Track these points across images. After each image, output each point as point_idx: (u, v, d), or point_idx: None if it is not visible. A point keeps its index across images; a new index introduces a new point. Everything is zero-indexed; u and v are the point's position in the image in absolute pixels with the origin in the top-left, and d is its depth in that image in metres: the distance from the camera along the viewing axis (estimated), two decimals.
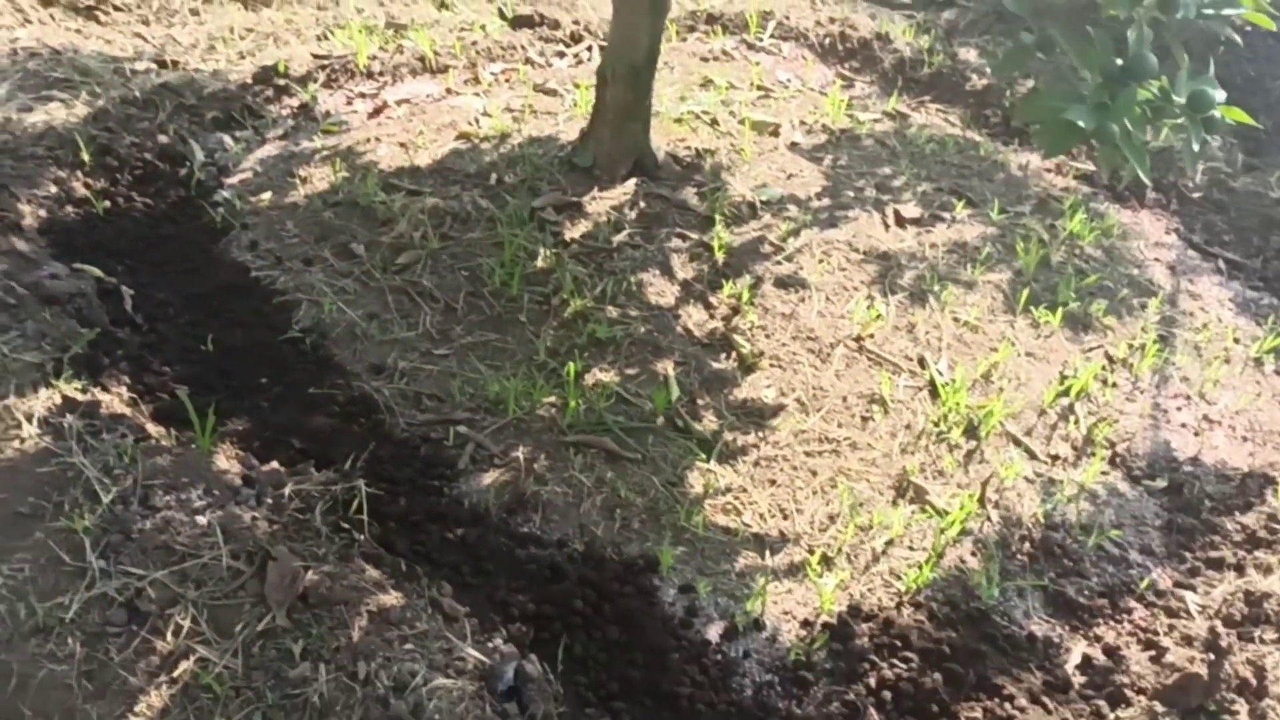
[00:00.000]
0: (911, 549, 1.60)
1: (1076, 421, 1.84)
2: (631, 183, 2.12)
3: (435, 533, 1.50)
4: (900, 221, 2.17)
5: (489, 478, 1.60)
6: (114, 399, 1.55)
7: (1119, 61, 1.40)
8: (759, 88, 2.59)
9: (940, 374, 1.86)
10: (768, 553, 1.56)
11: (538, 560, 1.49)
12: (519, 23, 2.83)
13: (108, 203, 1.96)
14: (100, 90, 2.29)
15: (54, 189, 1.92)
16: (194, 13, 2.72)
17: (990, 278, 2.07)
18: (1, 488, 1.39)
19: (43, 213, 1.87)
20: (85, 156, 2.00)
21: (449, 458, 1.62)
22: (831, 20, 2.92)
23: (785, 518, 1.62)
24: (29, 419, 1.46)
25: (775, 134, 2.38)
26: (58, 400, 1.50)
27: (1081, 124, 1.34)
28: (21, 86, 2.25)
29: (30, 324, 1.61)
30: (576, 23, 2.84)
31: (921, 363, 1.88)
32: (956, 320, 1.97)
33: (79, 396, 1.51)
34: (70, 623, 1.26)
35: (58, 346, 1.60)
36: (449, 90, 2.49)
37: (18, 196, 1.87)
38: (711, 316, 1.91)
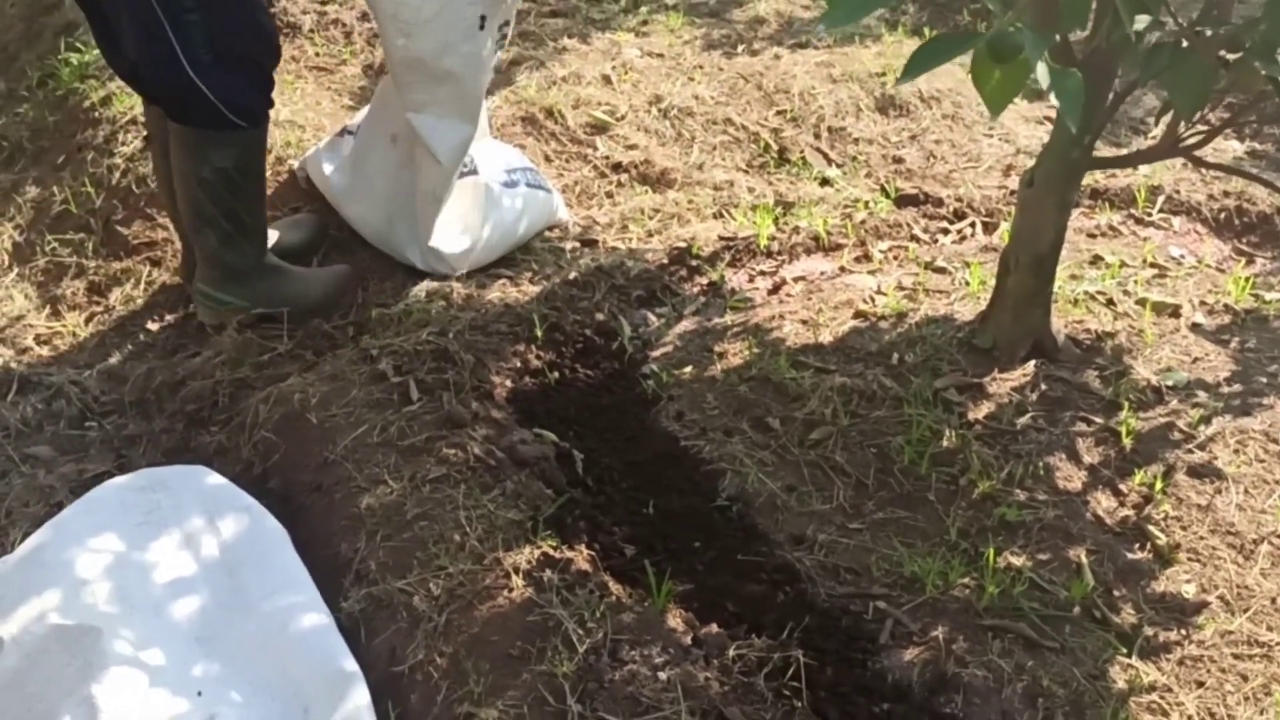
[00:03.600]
0: None
1: None
2: (1031, 365, 2.18)
3: (863, 705, 1.59)
4: None
5: (909, 655, 1.68)
6: (578, 555, 1.77)
7: None
8: (1153, 265, 2.59)
9: None
10: None
11: None
12: (903, 201, 2.99)
13: (557, 374, 2.24)
14: (538, 268, 2.64)
15: (516, 362, 2.22)
16: (609, 195, 3.06)
17: None
18: (496, 631, 1.62)
19: (509, 383, 2.18)
20: (539, 332, 2.31)
21: (869, 631, 1.72)
22: (1226, 194, 2.88)
23: None
24: (516, 571, 1.70)
25: (1175, 315, 2.37)
26: (537, 556, 1.73)
27: None
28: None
29: (509, 484, 1.88)
30: (959, 200, 2.95)
31: None
32: None
33: (554, 554, 1.74)
34: None
35: (531, 506, 1.85)
36: (842, 268, 2.66)
37: (489, 368, 2.18)
38: (1122, 504, 1.92)
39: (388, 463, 1.90)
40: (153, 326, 2.49)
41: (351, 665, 1.60)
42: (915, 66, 1.17)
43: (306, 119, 2.95)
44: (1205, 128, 2.02)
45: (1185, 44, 1.62)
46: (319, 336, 2.35)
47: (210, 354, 2.32)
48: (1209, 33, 1.68)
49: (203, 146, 2.21)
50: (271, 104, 2.28)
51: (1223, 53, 1.72)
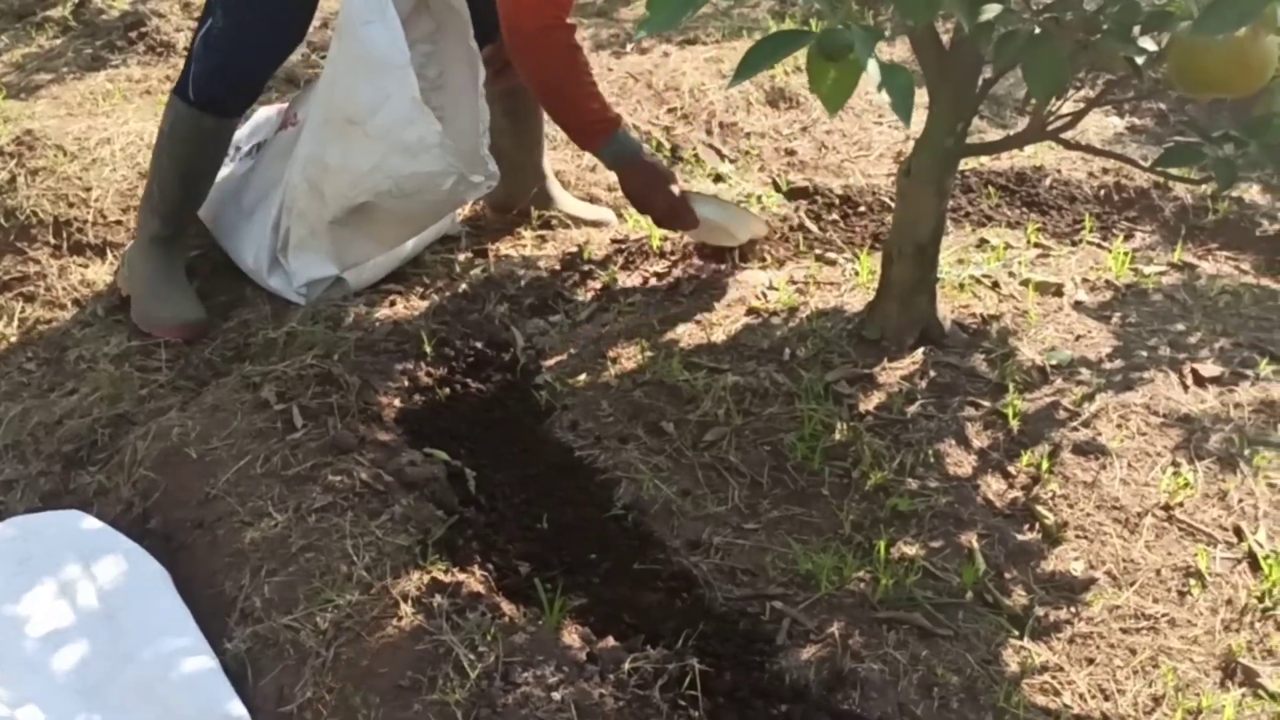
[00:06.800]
0: None
1: None
2: (919, 352, 2.19)
3: (761, 709, 1.58)
4: (1200, 381, 2.14)
5: (807, 653, 1.68)
6: (470, 577, 1.74)
7: None
8: (1036, 245, 2.63)
9: (1260, 545, 1.81)
10: None
11: None
12: (794, 194, 3.00)
13: (447, 390, 2.21)
14: (429, 281, 2.59)
15: (405, 381, 2.18)
16: None
17: None
18: (385, 663, 1.59)
19: (397, 402, 2.14)
20: (427, 348, 2.27)
21: (767, 633, 1.71)
22: (1105, 171, 2.93)
23: (1107, 699, 1.61)
24: (405, 599, 1.66)
25: (1058, 293, 2.40)
26: (426, 581, 1.70)
27: None
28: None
29: (397, 508, 1.84)
30: (850, 189, 2.97)
31: (1238, 533, 1.84)
32: (1272, 486, 1.92)
33: (444, 577, 1.70)
34: None
35: (421, 529, 1.81)
36: (735, 265, 2.66)
37: (376, 389, 2.14)
38: (1011, 486, 1.95)
39: (271, 494, 1.85)
40: (28, 365, 2.41)
41: (238, 709, 1.56)
42: (747, 68, 1.16)
43: None
44: (1074, 109, 2.04)
45: (1039, 30, 1.63)
46: (201, 365, 2.29)
47: (88, 390, 2.24)
48: (1066, 17, 1.70)
49: (170, 99, 2.41)
50: (234, 111, 2.42)
51: (1082, 35, 1.74)
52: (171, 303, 2.38)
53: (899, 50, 3.65)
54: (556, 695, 1.51)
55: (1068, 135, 2.04)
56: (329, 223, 2.36)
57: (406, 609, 1.64)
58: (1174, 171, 2.03)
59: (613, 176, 3.05)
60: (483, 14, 2.36)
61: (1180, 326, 2.30)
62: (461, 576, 1.72)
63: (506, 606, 1.68)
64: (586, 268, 2.63)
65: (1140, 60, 1.75)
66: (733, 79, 1.19)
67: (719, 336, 2.32)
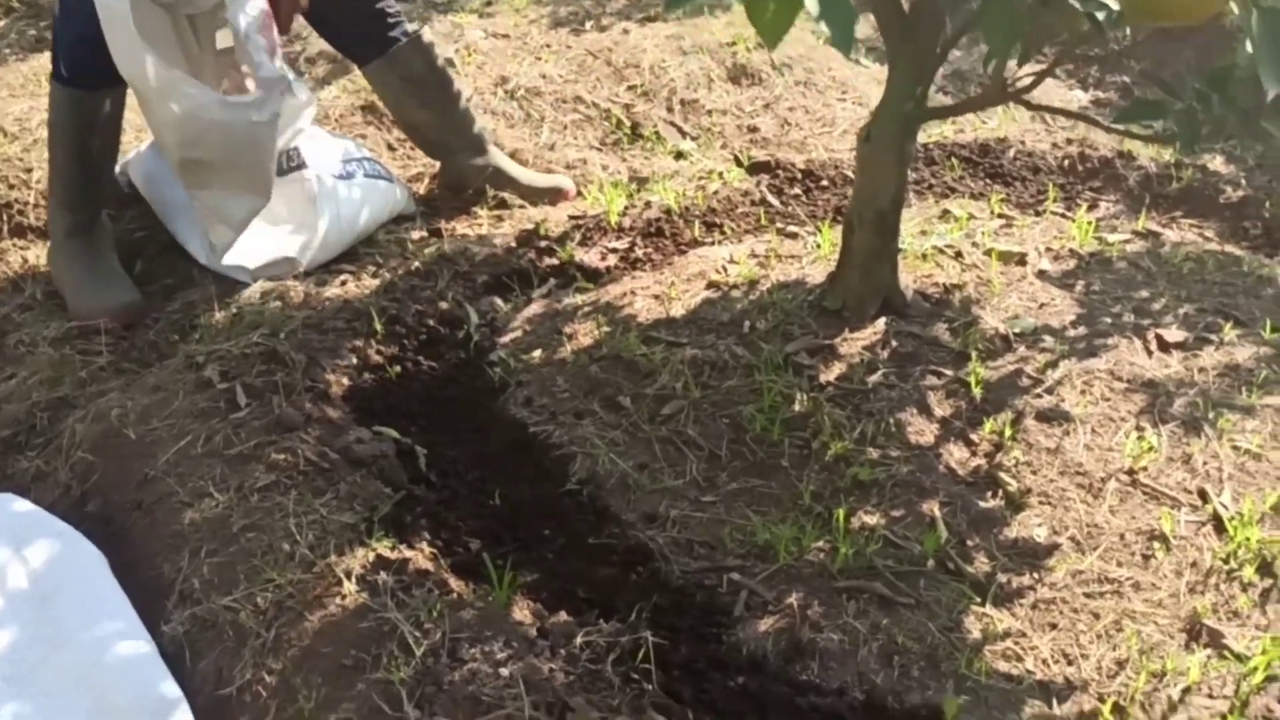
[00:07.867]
0: (1212, 697, 1.52)
1: None
2: (881, 322, 2.15)
3: (718, 681, 1.54)
4: (1163, 346, 2.11)
5: (765, 625, 1.63)
6: (417, 555, 1.69)
7: None
8: (1000, 216, 2.60)
9: (1225, 507, 1.78)
10: (1054, 701, 1.52)
11: (820, 709, 1.50)
12: (755, 168, 2.96)
13: (398, 368, 2.15)
14: (382, 260, 2.53)
15: (354, 358, 2.13)
16: None
17: (1270, 401, 1.98)
18: (328, 642, 1.53)
19: (345, 380, 2.08)
20: (378, 326, 2.21)
21: (724, 605, 1.67)
22: (1069, 141, 2.90)
23: (1070, 663, 1.58)
24: (348, 577, 1.61)
25: (1022, 262, 2.37)
26: (371, 558, 1.65)
27: None
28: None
29: (343, 486, 1.79)
30: (812, 164, 2.93)
31: (1202, 495, 1.81)
32: (1236, 449, 1.89)
33: (389, 555, 1.65)
34: None
35: (367, 506, 1.76)
36: (694, 240, 2.61)
37: (324, 367, 2.08)
38: (974, 454, 1.91)
39: (213, 474, 1.79)
40: None
41: (173, 691, 1.50)
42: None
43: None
44: (1035, 71, 2.00)
45: None
46: (144, 347, 2.22)
47: (26, 374, 2.17)
48: None
49: (50, 87, 2.33)
50: (110, 79, 2.19)
51: None
52: (101, 291, 2.30)
53: (861, 26, 3.61)
54: (505, 671, 1.46)
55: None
56: (187, 188, 2.29)
57: (350, 587, 1.58)
58: (1136, 132, 2.00)
59: (570, 154, 3.02)
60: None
61: (1144, 293, 2.28)
62: (408, 554, 1.66)
63: (455, 583, 1.63)
64: (543, 244, 2.58)
65: (1101, 16, 1.71)
66: (666, 6, 1.14)
67: (678, 311, 2.27)
